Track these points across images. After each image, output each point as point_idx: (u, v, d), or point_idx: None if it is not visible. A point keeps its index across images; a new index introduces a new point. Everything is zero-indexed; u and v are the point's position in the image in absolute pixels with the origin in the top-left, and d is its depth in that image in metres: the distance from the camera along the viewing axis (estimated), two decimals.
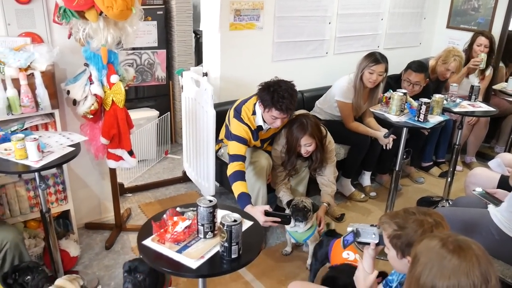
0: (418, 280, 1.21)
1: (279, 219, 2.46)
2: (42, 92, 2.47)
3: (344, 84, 3.46)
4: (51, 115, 2.65)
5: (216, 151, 3.26)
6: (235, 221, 1.50)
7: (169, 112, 4.52)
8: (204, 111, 3.18)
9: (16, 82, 2.41)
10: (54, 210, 2.77)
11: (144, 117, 4.19)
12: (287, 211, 2.84)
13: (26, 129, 2.49)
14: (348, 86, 3.44)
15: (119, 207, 3.19)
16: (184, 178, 3.89)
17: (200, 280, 1.67)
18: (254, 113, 2.87)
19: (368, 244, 1.63)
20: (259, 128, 2.91)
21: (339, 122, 3.58)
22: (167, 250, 1.56)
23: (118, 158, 2.86)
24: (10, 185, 2.64)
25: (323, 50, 4.03)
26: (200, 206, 1.57)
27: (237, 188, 2.65)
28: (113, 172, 3.06)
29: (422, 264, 1.21)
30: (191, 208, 1.74)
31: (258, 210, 2.43)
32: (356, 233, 1.66)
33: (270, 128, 2.94)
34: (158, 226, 1.61)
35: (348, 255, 2.37)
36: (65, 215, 3.01)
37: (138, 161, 3.80)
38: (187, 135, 3.64)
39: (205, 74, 3.58)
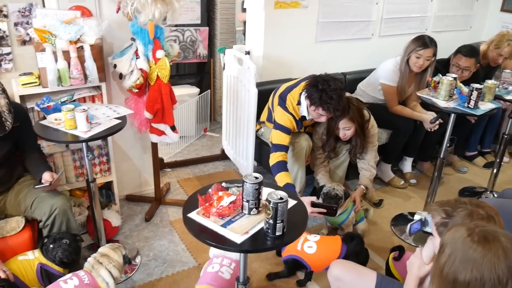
0: (441, 271, 1.16)
1: (325, 210, 2.48)
2: (90, 65, 2.52)
3: (390, 66, 3.37)
4: (98, 88, 2.71)
5: (256, 131, 3.26)
6: (281, 198, 1.50)
7: (209, 90, 4.54)
8: (246, 89, 3.17)
9: (66, 54, 2.47)
10: (98, 180, 2.84)
11: (185, 94, 4.22)
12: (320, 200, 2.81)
13: (74, 100, 2.55)
14: (394, 69, 3.35)
15: (159, 181, 3.25)
16: (223, 156, 3.92)
17: (242, 255, 1.69)
18: (299, 103, 2.81)
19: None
20: (303, 117, 2.87)
21: (381, 105, 3.50)
22: (212, 223, 1.58)
23: (161, 132, 2.90)
24: (58, 154, 2.73)
25: (368, 32, 3.93)
26: (247, 182, 1.57)
27: (282, 178, 2.63)
28: (154, 146, 3.11)
29: (446, 255, 1.16)
30: (236, 184, 1.75)
31: (304, 201, 2.44)
32: (424, 222, 1.63)
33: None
34: (203, 200, 1.63)
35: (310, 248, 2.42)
36: (108, 186, 3.10)
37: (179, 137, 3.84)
38: (227, 113, 3.64)
39: (248, 53, 3.56)
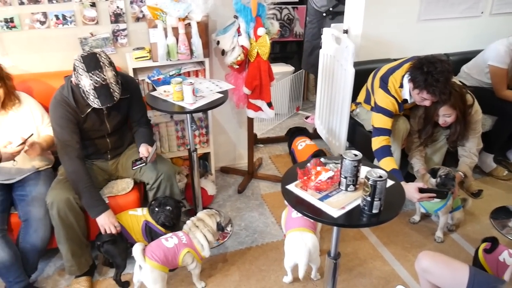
0: None
1: (434, 195, 2.44)
2: (196, 41, 2.66)
3: (501, 47, 3.13)
4: (202, 63, 2.86)
5: (351, 111, 3.23)
6: (380, 177, 1.51)
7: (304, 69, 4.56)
8: (343, 69, 3.14)
9: (175, 31, 2.63)
10: (198, 151, 3.01)
11: (280, 72, 4.28)
12: (420, 181, 2.73)
13: (180, 74, 2.72)
14: (507, 50, 3.11)
15: (252, 156, 3.37)
16: (314, 135, 3.94)
17: (335, 228, 1.73)
18: (401, 85, 2.72)
19: None
20: (405, 101, 2.78)
21: (487, 89, 3.29)
22: (309, 196, 1.63)
23: (257, 108, 2.99)
24: (163, 124, 2.94)
25: (478, 10, 3.67)
26: (346, 159, 1.60)
27: (387, 164, 2.58)
28: (250, 121, 3.22)
29: None
30: (334, 161, 1.78)
31: (412, 187, 2.42)
32: None
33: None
34: (302, 174, 1.68)
35: None
36: (205, 157, 3.28)
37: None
38: (321, 92, 3.65)
39: (346, 31, 3.51)
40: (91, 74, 2.11)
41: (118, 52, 2.88)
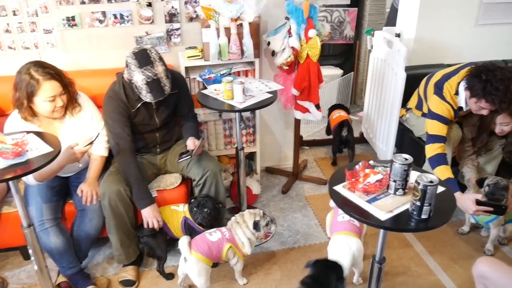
0: None
1: (491, 209, 2.34)
2: (248, 41, 2.70)
3: None
4: (252, 63, 2.89)
5: (400, 117, 3.18)
6: (431, 182, 1.48)
7: (352, 72, 4.52)
8: (394, 73, 3.10)
9: (227, 31, 2.68)
10: (244, 150, 3.05)
11: (328, 75, 4.26)
12: (471, 189, 2.64)
13: (231, 74, 2.76)
14: None
15: (298, 157, 3.38)
16: (361, 139, 3.90)
17: (382, 232, 1.72)
18: (457, 93, 2.63)
19: None
20: (460, 108, 2.69)
21: None
22: (357, 198, 1.62)
23: (305, 110, 3.00)
24: (211, 122, 3.00)
25: None
26: (396, 162, 1.58)
27: (442, 172, 2.50)
28: (297, 123, 3.23)
29: None
30: (383, 164, 1.76)
31: (468, 199, 2.35)
32: None
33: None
34: (350, 175, 1.68)
35: None
36: (251, 156, 3.31)
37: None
38: (370, 96, 3.61)
39: (398, 35, 3.45)
40: (143, 70, 2.19)
41: (171, 51, 2.96)
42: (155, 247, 2.45)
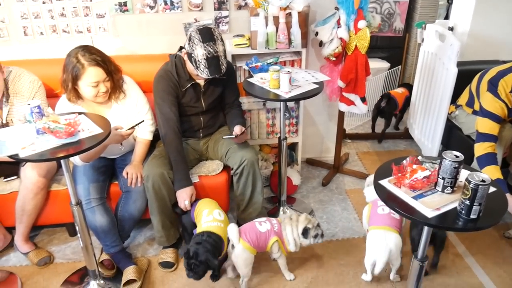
0: None
1: None
2: (296, 31, 2.68)
3: None
4: (299, 53, 2.87)
5: (449, 113, 3.07)
6: (483, 181, 1.43)
7: (399, 66, 4.41)
8: (445, 68, 2.99)
9: (275, 20, 2.66)
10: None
11: (374, 68, 4.16)
12: None
13: (277, 63, 2.75)
14: None
15: (340, 150, 3.34)
16: (405, 135, 3.81)
17: (426, 229, 1.68)
18: None
19: None
20: None
21: None
22: (403, 194, 1.59)
23: (350, 102, 2.95)
24: (255, 111, 3.01)
25: None
26: (446, 159, 1.54)
27: (491, 172, 2.41)
28: (341, 115, 3.18)
29: None
30: (432, 160, 1.71)
31: None
32: None
33: None
34: (397, 170, 1.64)
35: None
36: (292, 147, 3.30)
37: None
38: (418, 91, 3.50)
39: (451, 29, 3.33)
40: (205, 45, 2.23)
41: None
42: (185, 226, 2.50)
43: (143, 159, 2.54)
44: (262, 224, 2.32)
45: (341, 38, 2.72)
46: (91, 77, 2.25)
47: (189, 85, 2.47)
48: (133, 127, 2.31)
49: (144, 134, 2.55)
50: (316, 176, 3.41)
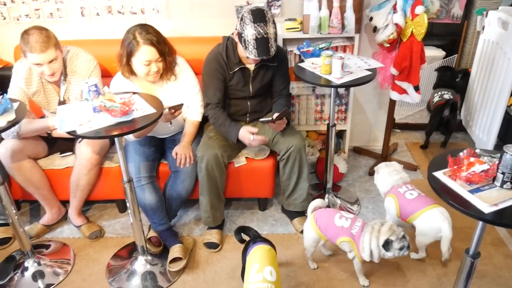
0: None
1: None
2: (350, 16, 2.61)
3: None
4: (351, 39, 2.81)
5: (508, 106, 2.93)
6: None
7: (456, 55, 4.22)
8: (506, 58, 2.84)
9: (329, 4, 2.61)
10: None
11: (429, 56, 3.97)
12: None
13: (329, 48, 2.70)
14: None
15: (389, 139, 3.26)
16: (459, 128, 3.66)
17: (481, 224, 1.62)
18: None
19: None
20: None
21: None
22: (458, 187, 1.53)
23: (402, 91, 2.87)
24: (304, 96, 2.98)
25: None
26: (508, 153, 1.46)
27: None
28: (392, 104, 3.10)
29: None
30: (491, 154, 1.64)
31: None
32: None
33: None
34: (453, 162, 1.59)
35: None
36: (340, 134, 3.25)
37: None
38: (475, 81, 3.35)
39: None
40: (256, 25, 2.23)
41: None
42: None
43: (192, 140, 2.58)
44: (342, 219, 2.19)
45: (396, 24, 2.63)
46: (144, 55, 2.29)
47: (238, 68, 2.47)
48: (172, 109, 2.33)
49: (194, 115, 2.59)
50: (363, 165, 3.35)
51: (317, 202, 2.29)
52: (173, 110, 2.33)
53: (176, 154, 2.48)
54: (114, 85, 2.46)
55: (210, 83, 2.49)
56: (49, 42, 2.28)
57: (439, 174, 1.61)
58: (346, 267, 2.40)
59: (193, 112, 2.58)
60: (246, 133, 2.42)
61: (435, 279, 2.34)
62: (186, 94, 2.54)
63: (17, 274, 2.43)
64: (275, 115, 2.42)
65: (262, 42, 2.25)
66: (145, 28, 2.32)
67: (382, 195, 2.52)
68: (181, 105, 2.37)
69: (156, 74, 2.40)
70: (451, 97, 3.42)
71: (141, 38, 2.28)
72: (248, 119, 2.69)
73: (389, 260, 2.27)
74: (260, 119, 2.46)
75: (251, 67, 2.49)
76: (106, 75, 2.74)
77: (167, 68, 2.45)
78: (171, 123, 2.53)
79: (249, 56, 2.31)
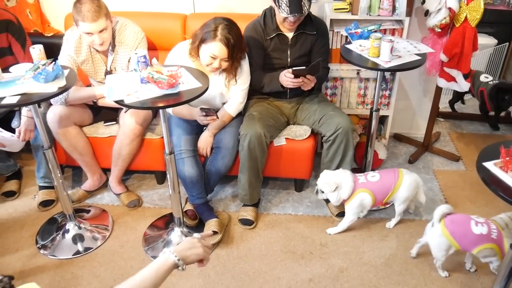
0: None
1: None
2: None
3: None
4: (400, 22, 2.72)
5: None
6: None
7: (507, 43, 4.04)
8: None
9: None
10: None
11: (480, 44, 3.84)
12: None
13: (377, 31, 2.63)
14: None
15: (432, 128, 3.18)
16: (506, 119, 3.53)
17: None
18: None
19: None
20: None
21: None
22: (509, 179, 1.49)
23: (451, 78, 2.78)
24: (347, 79, 2.93)
25: None
26: None
27: None
28: (438, 91, 3.01)
29: None
30: None
31: None
32: None
33: None
34: (505, 153, 1.53)
35: None
36: (381, 120, 3.19)
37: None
38: None
39: None
40: None
41: (318, 2, 2.89)
42: None
43: (218, 129, 2.57)
44: (478, 226, 2.04)
45: (450, 8, 2.54)
46: (214, 49, 2.26)
47: (275, 34, 2.49)
48: (203, 111, 2.35)
49: (231, 108, 2.54)
50: (403, 152, 3.28)
51: (443, 208, 2.10)
52: (204, 113, 2.35)
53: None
54: (174, 54, 2.44)
55: (251, 48, 2.51)
56: (100, 12, 2.31)
57: (489, 165, 1.56)
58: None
59: (231, 105, 2.54)
60: (283, 75, 2.42)
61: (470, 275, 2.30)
62: (233, 89, 2.53)
63: (59, 235, 2.53)
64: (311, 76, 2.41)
65: (294, 0, 2.26)
66: (230, 27, 2.27)
67: (345, 198, 2.45)
68: (213, 112, 2.37)
69: (217, 70, 2.38)
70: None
71: (221, 34, 2.23)
72: (288, 95, 2.66)
73: None
74: (293, 68, 2.39)
75: (290, 35, 2.49)
76: (152, 48, 2.77)
77: (231, 70, 2.41)
78: (205, 127, 2.53)
79: (282, 14, 2.32)
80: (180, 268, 1.25)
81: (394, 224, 2.59)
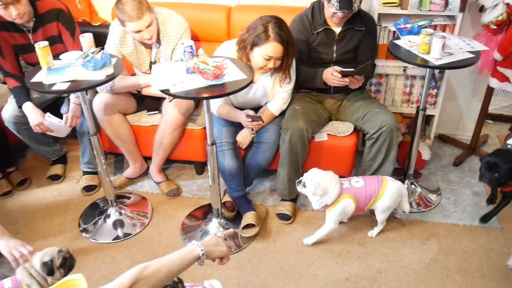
0: None
1: None
2: None
3: None
4: (453, 18, 2.62)
5: None
6: None
7: None
8: None
9: None
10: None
11: None
12: None
13: (427, 26, 2.54)
14: None
15: (480, 130, 3.05)
16: None
17: None
18: None
19: None
20: None
21: None
22: None
23: (504, 79, 2.65)
24: (393, 76, 2.85)
25: None
26: None
27: None
28: (489, 92, 2.88)
29: None
30: None
31: None
32: None
33: None
34: None
35: None
36: (426, 119, 3.08)
37: None
38: None
39: None
40: None
41: None
42: None
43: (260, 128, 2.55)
44: None
45: (507, 4, 2.42)
46: (269, 50, 2.22)
47: (322, 29, 2.45)
48: (250, 117, 2.35)
49: (274, 107, 2.51)
50: (448, 154, 3.17)
51: None
52: (250, 119, 2.34)
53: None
54: (221, 54, 2.39)
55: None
56: (143, 7, 2.30)
57: None
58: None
59: (275, 104, 2.51)
60: (329, 73, 2.38)
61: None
62: (278, 88, 2.50)
63: (101, 220, 2.60)
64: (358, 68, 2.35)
65: None
66: (280, 24, 2.24)
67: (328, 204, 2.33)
68: (259, 118, 2.37)
69: (269, 70, 2.36)
70: None
71: (273, 33, 2.20)
72: (332, 90, 2.62)
73: None
74: (342, 70, 2.35)
75: (337, 29, 2.45)
76: (195, 40, 2.76)
77: (283, 69, 2.37)
78: (252, 130, 2.52)
79: (331, 9, 2.28)
80: (200, 262, 1.31)
81: (376, 233, 2.47)
